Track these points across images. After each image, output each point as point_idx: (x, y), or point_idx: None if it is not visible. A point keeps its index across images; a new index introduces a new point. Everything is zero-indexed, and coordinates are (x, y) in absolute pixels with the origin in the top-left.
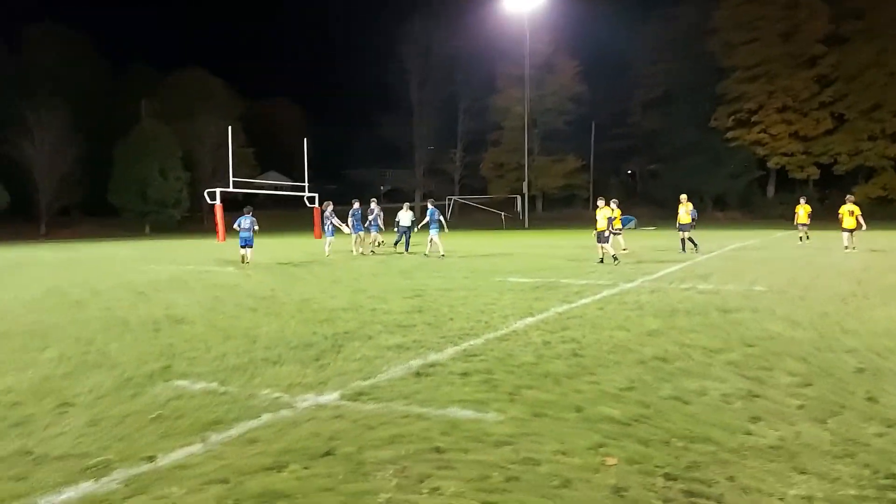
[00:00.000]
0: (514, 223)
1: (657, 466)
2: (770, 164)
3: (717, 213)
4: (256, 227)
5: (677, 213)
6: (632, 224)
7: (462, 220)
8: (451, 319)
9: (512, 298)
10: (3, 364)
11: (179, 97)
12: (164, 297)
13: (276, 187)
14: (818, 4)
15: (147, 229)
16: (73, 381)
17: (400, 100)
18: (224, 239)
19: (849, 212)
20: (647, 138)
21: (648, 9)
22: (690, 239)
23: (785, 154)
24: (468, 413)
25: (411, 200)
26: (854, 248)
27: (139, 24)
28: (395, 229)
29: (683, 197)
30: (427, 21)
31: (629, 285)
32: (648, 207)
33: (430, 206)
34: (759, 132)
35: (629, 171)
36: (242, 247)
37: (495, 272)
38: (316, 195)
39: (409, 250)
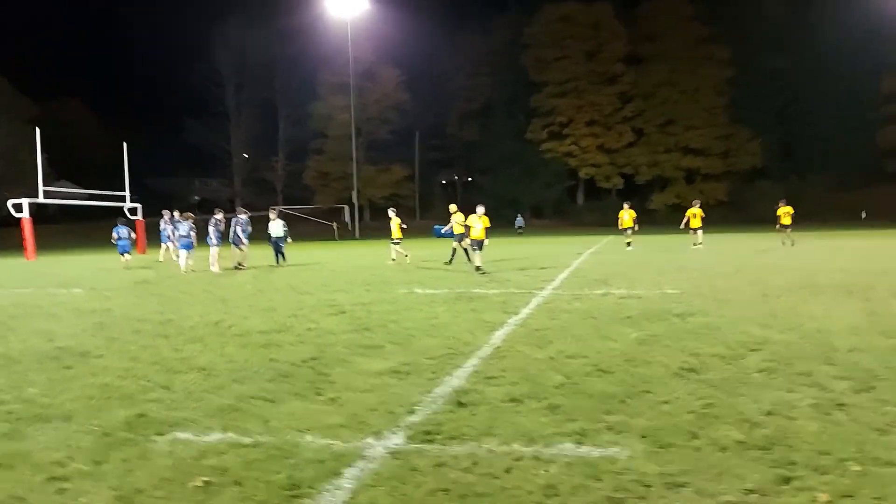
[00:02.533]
0: (344, 233)
1: (877, 499)
2: (581, 174)
3: (534, 220)
4: (133, 235)
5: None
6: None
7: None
8: (413, 337)
9: (449, 312)
10: None
11: None
12: (33, 326)
13: (93, 197)
14: (617, 27)
15: None
16: (32, 443)
17: (213, 104)
18: (34, 256)
19: (693, 214)
20: (467, 148)
21: (465, 21)
22: (465, 249)
23: (594, 165)
24: (588, 449)
25: (229, 212)
26: (700, 244)
27: None
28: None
29: (453, 207)
30: (241, 22)
31: (544, 293)
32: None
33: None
34: (570, 144)
35: (443, 182)
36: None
37: (389, 283)
38: (139, 206)
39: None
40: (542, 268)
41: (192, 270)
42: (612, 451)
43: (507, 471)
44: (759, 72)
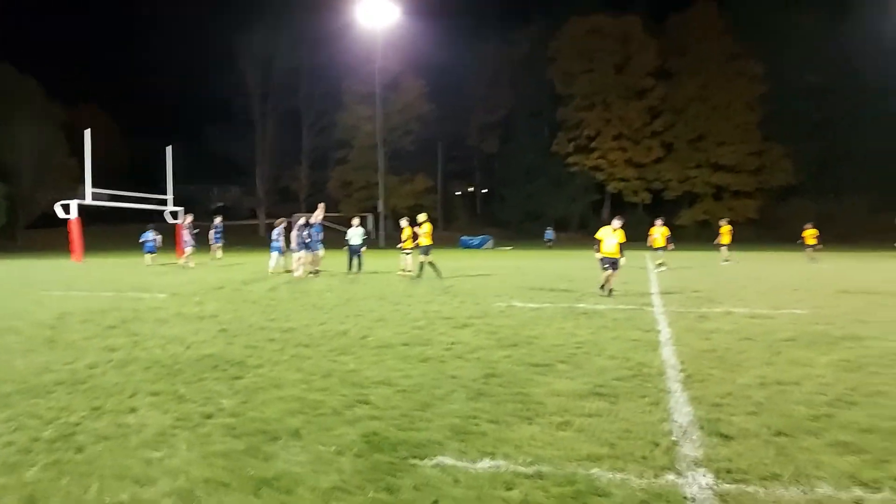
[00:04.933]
0: (370, 243)
1: None
2: (609, 188)
3: (559, 234)
4: (159, 238)
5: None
6: (489, 244)
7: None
8: (574, 355)
9: (581, 329)
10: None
11: None
12: (157, 332)
13: (137, 199)
14: (647, 39)
15: None
16: (287, 463)
17: (237, 113)
18: (82, 258)
19: (662, 234)
20: (487, 160)
21: (486, 33)
22: (431, 263)
23: (622, 179)
24: None
25: (254, 218)
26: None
27: None
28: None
29: (423, 216)
30: (268, 31)
31: (657, 310)
32: (494, 228)
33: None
34: (598, 158)
35: (459, 192)
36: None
37: (473, 295)
38: (181, 209)
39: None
40: (624, 282)
41: (287, 271)
42: None
43: None
44: (793, 88)
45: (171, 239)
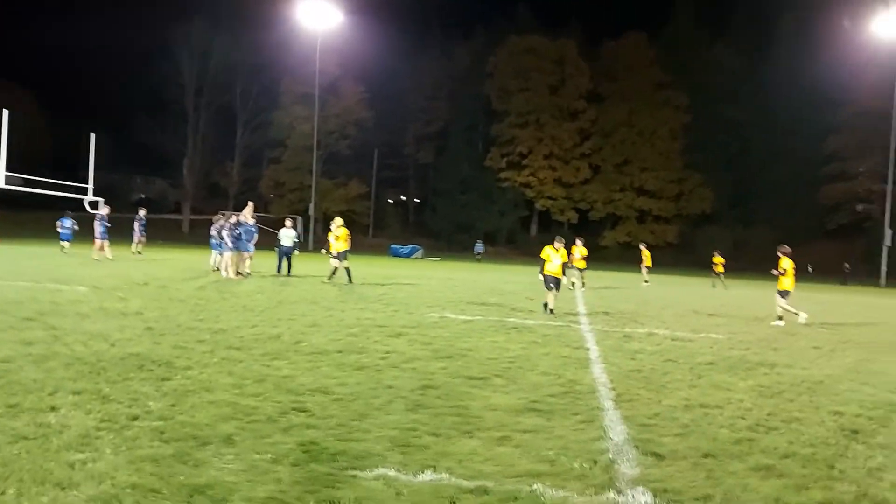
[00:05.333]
0: (299, 246)
1: None
2: (537, 205)
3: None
4: (76, 227)
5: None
6: (418, 253)
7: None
8: (508, 369)
9: (512, 343)
10: None
11: None
12: (79, 328)
13: (55, 186)
14: (581, 64)
15: None
16: (219, 472)
17: (170, 104)
18: None
19: (581, 254)
20: (422, 170)
21: (428, 44)
22: (347, 269)
23: (550, 198)
24: None
25: (178, 213)
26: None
27: None
28: (276, 249)
29: (339, 220)
30: (207, 25)
31: (584, 327)
32: (425, 238)
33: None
34: (529, 175)
35: (391, 201)
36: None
37: (411, 304)
38: (101, 199)
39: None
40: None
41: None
42: None
43: None
44: (713, 120)
45: (89, 228)
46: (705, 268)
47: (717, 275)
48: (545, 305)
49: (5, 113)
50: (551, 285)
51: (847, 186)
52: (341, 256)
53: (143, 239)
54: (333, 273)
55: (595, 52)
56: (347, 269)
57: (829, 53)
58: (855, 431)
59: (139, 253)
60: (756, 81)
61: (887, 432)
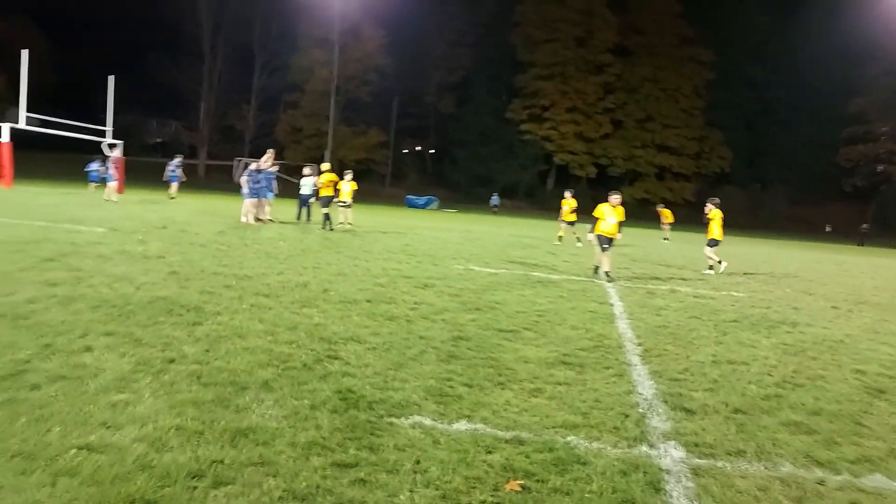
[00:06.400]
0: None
1: None
2: (556, 159)
3: (505, 201)
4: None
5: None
6: (434, 205)
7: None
8: (537, 323)
9: (540, 297)
10: None
11: None
12: (102, 270)
13: (74, 129)
14: (609, 15)
15: None
16: (259, 417)
17: (186, 43)
18: (11, 184)
19: (570, 207)
20: (442, 120)
21: None
22: (326, 215)
23: (570, 152)
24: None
25: (194, 157)
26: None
27: None
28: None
29: (326, 165)
30: None
31: (606, 282)
32: (442, 189)
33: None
34: (550, 128)
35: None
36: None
37: (436, 256)
38: (120, 143)
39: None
40: (574, 254)
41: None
42: None
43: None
44: (736, 78)
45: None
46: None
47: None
48: (596, 269)
49: (25, 54)
50: (605, 246)
51: (867, 148)
52: (325, 202)
53: (176, 183)
54: (326, 220)
55: (623, 3)
56: (326, 215)
57: (861, 9)
58: (880, 391)
59: (173, 198)
60: (783, 39)
61: None
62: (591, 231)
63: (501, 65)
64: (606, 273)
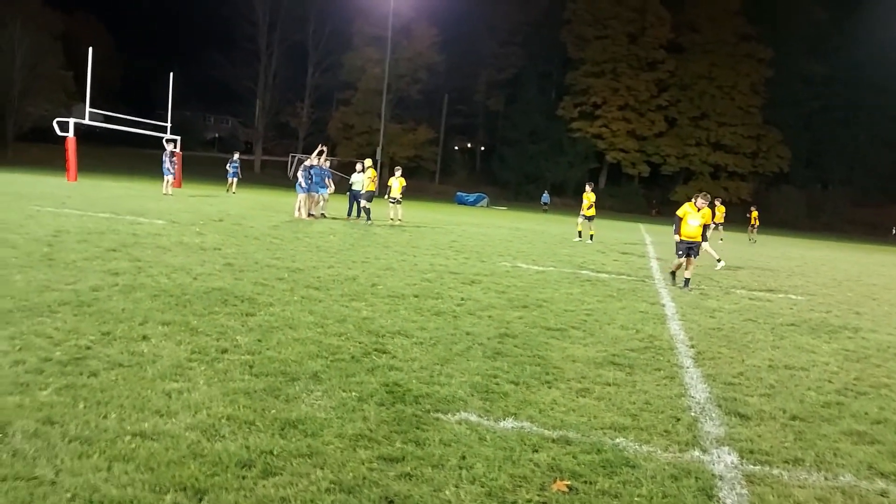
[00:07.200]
0: None
1: None
2: (608, 157)
3: (554, 199)
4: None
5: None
6: (484, 202)
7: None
8: (585, 322)
9: (589, 296)
10: None
11: None
12: (161, 260)
13: (135, 124)
14: (663, 12)
15: None
16: (310, 407)
17: (242, 41)
18: (76, 178)
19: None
20: (492, 118)
21: None
22: (366, 209)
23: (622, 150)
24: None
25: (249, 153)
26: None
27: None
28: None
29: (368, 161)
30: None
31: (658, 283)
32: (490, 187)
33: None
34: (601, 126)
35: (456, 147)
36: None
37: (483, 253)
38: (178, 138)
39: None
40: (624, 252)
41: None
42: None
43: None
44: (794, 75)
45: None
46: (775, 227)
47: (753, 228)
48: (672, 274)
49: (90, 52)
50: (682, 251)
51: None
52: (368, 197)
53: (235, 180)
54: (367, 214)
55: (678, 0)
56: (367, 210)
57: None
58: None
59: (234, 193)
60: (842, 35)
61: None
62: (676, 233)
63: (551, 62)
64: (686, 279)
